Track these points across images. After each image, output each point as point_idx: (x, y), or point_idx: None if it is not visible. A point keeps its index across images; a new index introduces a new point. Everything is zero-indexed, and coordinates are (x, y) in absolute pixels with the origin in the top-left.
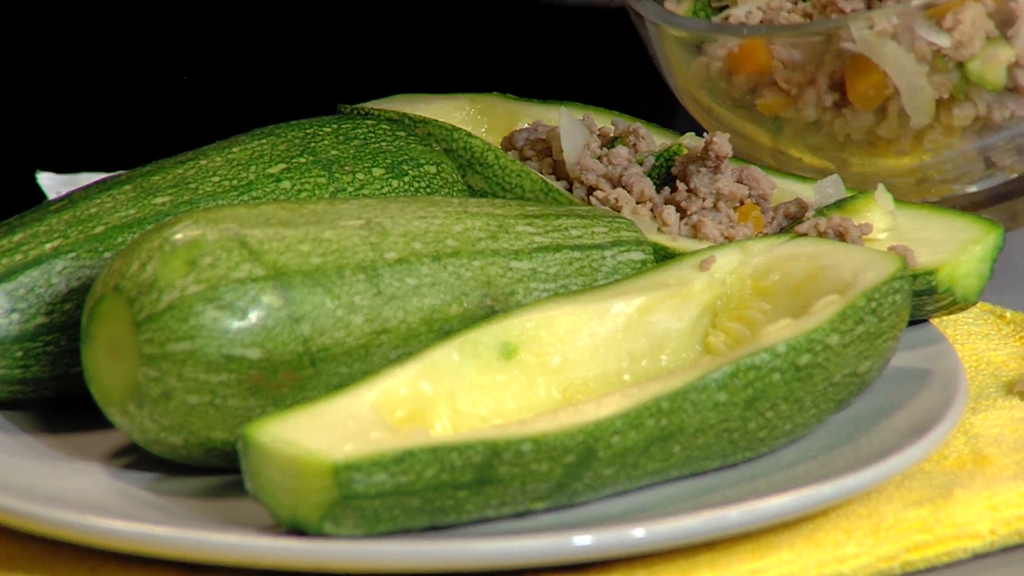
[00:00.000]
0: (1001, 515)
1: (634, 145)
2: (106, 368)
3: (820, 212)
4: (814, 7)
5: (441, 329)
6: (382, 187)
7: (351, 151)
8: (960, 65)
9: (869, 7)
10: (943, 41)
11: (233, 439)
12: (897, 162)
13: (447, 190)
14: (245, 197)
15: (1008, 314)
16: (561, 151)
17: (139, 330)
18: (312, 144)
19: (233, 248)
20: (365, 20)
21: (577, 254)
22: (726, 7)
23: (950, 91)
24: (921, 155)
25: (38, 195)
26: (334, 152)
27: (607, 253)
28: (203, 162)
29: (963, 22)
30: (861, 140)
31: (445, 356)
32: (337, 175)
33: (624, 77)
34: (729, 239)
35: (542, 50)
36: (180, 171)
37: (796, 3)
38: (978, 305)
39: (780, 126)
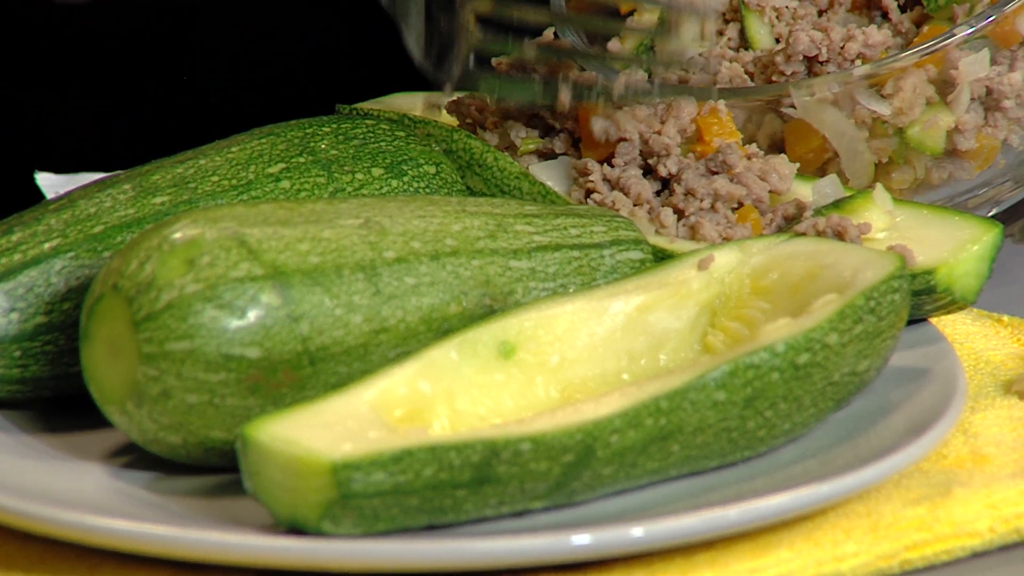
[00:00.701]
0: (1000, 513)
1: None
2: (105, 367)
3: (819, 212)
4: (755, 64)
5: (440, 328)
6: (381, 187)
7: (350, 151)
8: (900, 131)
9: (810, 71)
10: (883, 109)
11: (232, 438)
12: None
13: (446, 190)
14: (244, 197)
15: (1005, 319)
16: None
17: (138, 329)
18: (311, 144)
19: (232, 247)
20: (364, 20)
21: (576, 253)
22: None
23: (889, 155)
24: None
25: (37, 195)
26: (333, 152)
27: (606, 252)
28: (202, 162)
29: (904, 89)
30: None
31: (444, 355)
32: (336, 175)
33: None
34: (727, 240)
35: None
36: (179, 171)
37: (738, 51)
38: (974, 309)
39: None
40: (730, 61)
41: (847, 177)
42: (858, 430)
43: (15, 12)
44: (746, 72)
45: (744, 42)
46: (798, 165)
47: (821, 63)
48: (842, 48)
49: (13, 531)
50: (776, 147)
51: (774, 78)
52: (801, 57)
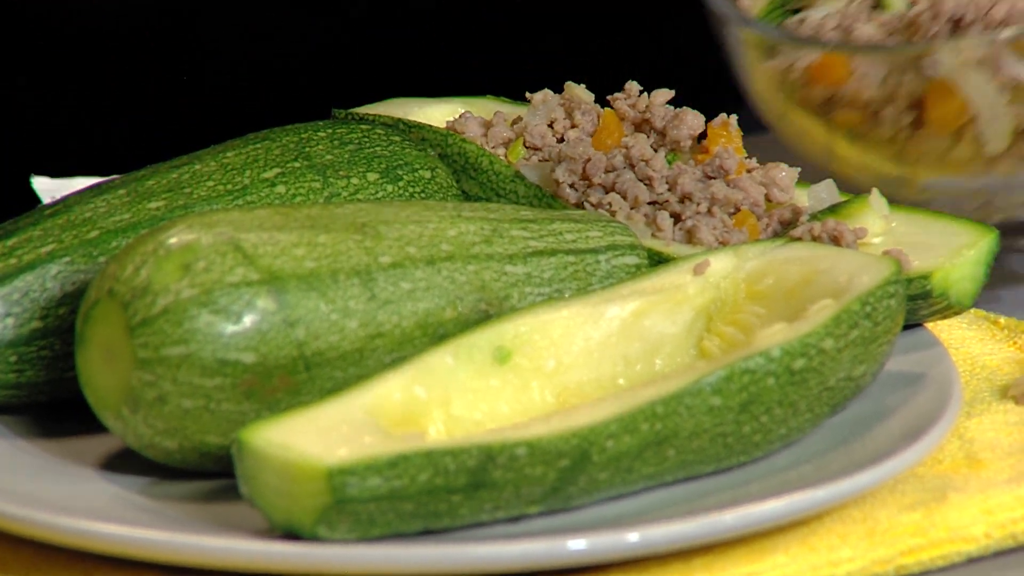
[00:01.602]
0: (995, 518)
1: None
2: (100, 372)
3: (815, 216)
4: (897, 23)
5: (435, 333)
6: (377, 192)
7: (346, 156)
8: None
9: (955, 30)
10: None
11: (227, 443)
12: (966, 184)
13: (441, 195)
14: (240, 201)
15: (1002, 320)
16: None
17: (133, 334)
18: (307, 149)
19: (227, 252)
20: (359, 24)
21: (571, 258)
22: (801, 8)
23: None
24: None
25: (33, 199)
26: (329, 157)
27: (601, 257)
28: (197, 166)
29: None
30: (933, 160)
31: (439, 360)
32: (332, 180)
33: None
34: (723, 244)
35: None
36: (174, 175)
37: (873, 9)
38: (972, 312)
39: (854, 139)
40: (865, 21)
41: (984, 140)
42: (854, 435)
43: (11, 12)
44: (885, 28)
45: (878, 3)
46: (799, 171)
47: (966, 25)
48: (988, 11)
49: (8, 536)
50: (915, 106)
51: (915, 39)
52: (947, 17)
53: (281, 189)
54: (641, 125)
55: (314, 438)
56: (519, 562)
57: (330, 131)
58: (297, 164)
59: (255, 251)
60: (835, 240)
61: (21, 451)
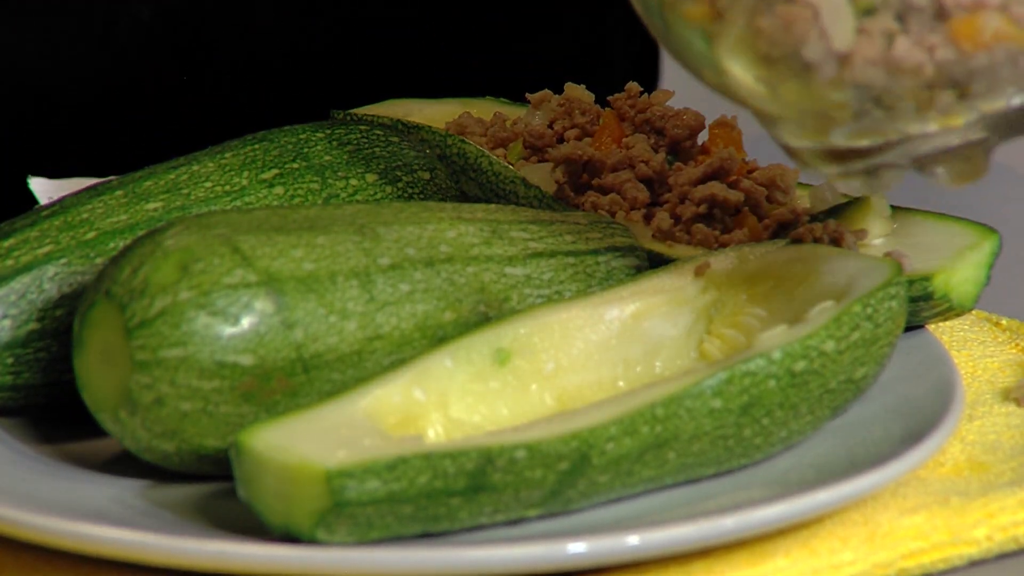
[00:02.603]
0: (998, 521)
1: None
2: (98, 375)
3: (815, 218)
4: None
5: (434, 335)
6: (375, 193)
7: (344, 157)
8: None
9: None
10: None
11: (226, 446)
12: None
13: (440, 196)
14: (238, 203)
15: (1004, 321)
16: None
17: (131, 336)
18: (305, 150)
19: (225, 253)
20: (358, 24)
21: (571, 260)
22: None
23: None
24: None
25: (30, 200)
26: (327, 158)
27: (601, 259)
28: (195, 167)
29: None
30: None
31: (438, 362)
32: (330, 181)
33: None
34: (724, 246)
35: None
36: (172, 176)
37: None
38: (973, 312)
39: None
40: None
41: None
42: (855, 438)
43: (9, 11)
44: None
45: None
46: (799, 172)
47: None
48: None
49: (6, 539)
50: None
51: None
52: None
53: (279, 190)
54: (641, 126)
55: (313, 441)
56: (518, 565)
57: (328, 132)
58: (295, 165)
59: (253, 252)
60: (836, 242)
61: (18, 454)
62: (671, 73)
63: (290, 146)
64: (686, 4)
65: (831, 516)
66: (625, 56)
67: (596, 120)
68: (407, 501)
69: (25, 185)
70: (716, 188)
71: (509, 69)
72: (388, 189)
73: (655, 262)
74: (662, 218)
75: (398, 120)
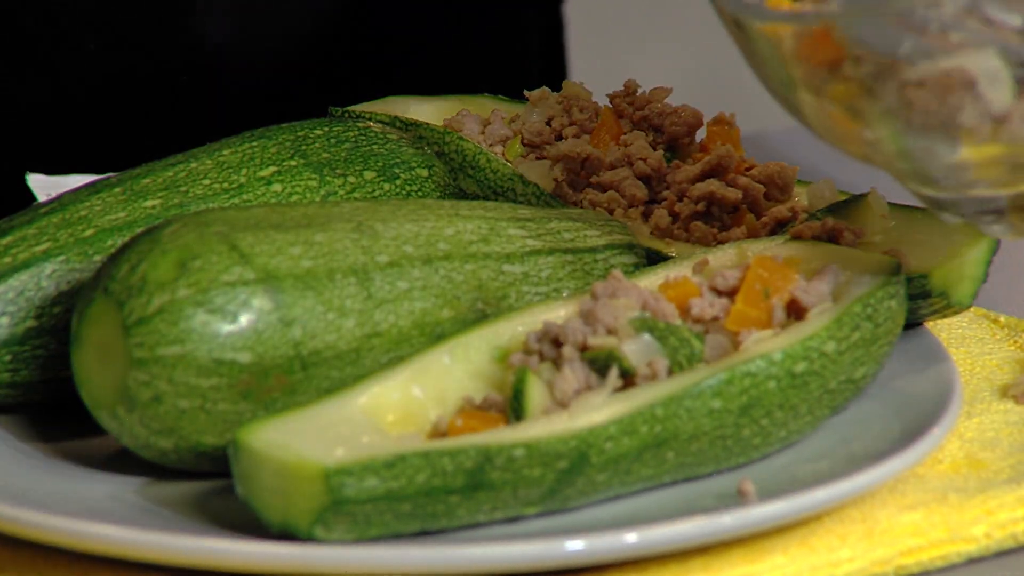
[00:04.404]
0: (996, 519)
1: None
2: (96, 372)
3: (813, 215)
4: None
5: (433, 333)
6: (373, 190)
7: (342, 154)
8: None
9: None
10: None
11: (223, 443)
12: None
13: (439, 193)
14: (236, 200)
15: (1002, 318)
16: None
17: (129, 334)
18: (303, 147)
19: (223, 251)
20: (357, 22)
21: (569, 257)
22: None
23: None
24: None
25: (28, 197)
26: (325, 155)
27: (599, 256)
28: (193, 165)
29: None
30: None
31: (437, 360)
32: (328, 178)
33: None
34: (722, 243)
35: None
36: (170, 174)
37: None
38: (972, 310)
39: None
40: None
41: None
42: (853, 435)
43: (7, 10)
44: None
45: None
46: (797, 170)
47: None
48: None
49: (4, 537)
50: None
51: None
52: None
53: (277, 187)
54: (639, 123)
55: (311, 438)
56: (517, 563)
57: (326, 129)
58: (294, 162)
59: (251, 250)
60: (834, 239)
61: (16, 451)
62: (669, 72)
63: (288, 143)
64: (829, 83)
65: (829, 513)
66: (626, 54)
67: (594, 117)
68: (405, 499)
69: (23, 182)
70: (714, 186)
71: (507, 66)
72: (386, 186)
73: (653, 259)
74: (660, 215)
75: (396, 117)
